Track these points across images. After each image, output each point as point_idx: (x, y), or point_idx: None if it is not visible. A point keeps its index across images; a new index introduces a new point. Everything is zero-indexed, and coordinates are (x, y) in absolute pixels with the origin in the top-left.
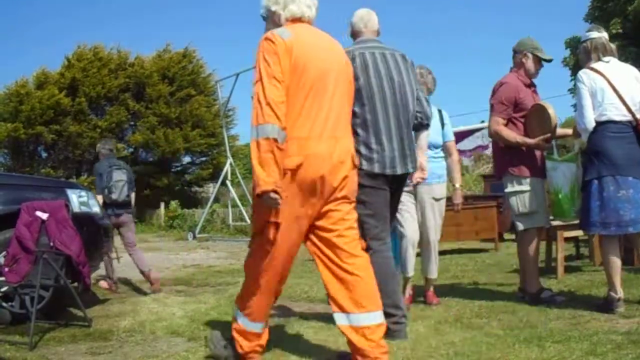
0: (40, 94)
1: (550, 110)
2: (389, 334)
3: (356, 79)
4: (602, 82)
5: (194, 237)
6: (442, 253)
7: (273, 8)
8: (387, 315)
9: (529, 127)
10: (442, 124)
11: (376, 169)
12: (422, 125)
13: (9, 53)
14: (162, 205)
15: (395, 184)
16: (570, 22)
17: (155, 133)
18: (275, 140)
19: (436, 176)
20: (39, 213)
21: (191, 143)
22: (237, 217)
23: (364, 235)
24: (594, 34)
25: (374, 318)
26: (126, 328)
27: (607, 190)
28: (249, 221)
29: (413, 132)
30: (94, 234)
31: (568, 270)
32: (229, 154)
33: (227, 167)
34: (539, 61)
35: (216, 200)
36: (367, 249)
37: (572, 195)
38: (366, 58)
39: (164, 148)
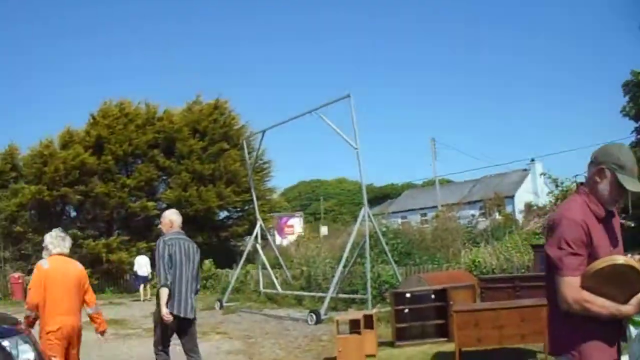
0: (64, 154)
1: None
2: None
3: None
4: None
5: (221, 307)
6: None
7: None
8: None
9: (596, 286)
10: None
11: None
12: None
13: (34, 114)
14: None
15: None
16: (629, 60)
17: (187, 190)
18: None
19: None
20: None
21: (225, 200)
22: (270, 282)
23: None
24: None
25: None
26: None
27: None
28: (279, 288)
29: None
30: None
31: None
32: (258, 216)
33: (257, 229)
34: (621, 187)
35: (251, 261)
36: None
37: None
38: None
39: (197, 206)
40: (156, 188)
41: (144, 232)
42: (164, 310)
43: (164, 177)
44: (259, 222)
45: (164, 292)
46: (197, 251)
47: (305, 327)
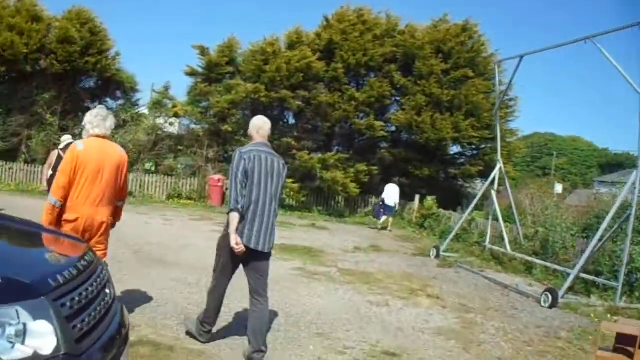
0: (290, 54)
1: None
2: None
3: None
4: None
5: (437, 256)
6: None
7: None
8: None
9: None
10: None
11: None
12: None
13: (261, 9)
14: (417, 198)
15: None
16: None
17: (421, 115)
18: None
19: None
20: None
21: (461, 133)
22: (498, 236)
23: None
24: None
25: None
26: None
27: None
28: (508, 247)
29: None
30: None
31: None
32: (499, 157)
33: (495, 172)
34: None
35: (477, 207)
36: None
37: None
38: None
39: (429, 134)
40: (387, 107)
41: (366, 153)
42: (234, 240)
43: (397, 97)
44: (499, 165)
45: (234, 218)
46: (284, 170)
47: (537, 310)
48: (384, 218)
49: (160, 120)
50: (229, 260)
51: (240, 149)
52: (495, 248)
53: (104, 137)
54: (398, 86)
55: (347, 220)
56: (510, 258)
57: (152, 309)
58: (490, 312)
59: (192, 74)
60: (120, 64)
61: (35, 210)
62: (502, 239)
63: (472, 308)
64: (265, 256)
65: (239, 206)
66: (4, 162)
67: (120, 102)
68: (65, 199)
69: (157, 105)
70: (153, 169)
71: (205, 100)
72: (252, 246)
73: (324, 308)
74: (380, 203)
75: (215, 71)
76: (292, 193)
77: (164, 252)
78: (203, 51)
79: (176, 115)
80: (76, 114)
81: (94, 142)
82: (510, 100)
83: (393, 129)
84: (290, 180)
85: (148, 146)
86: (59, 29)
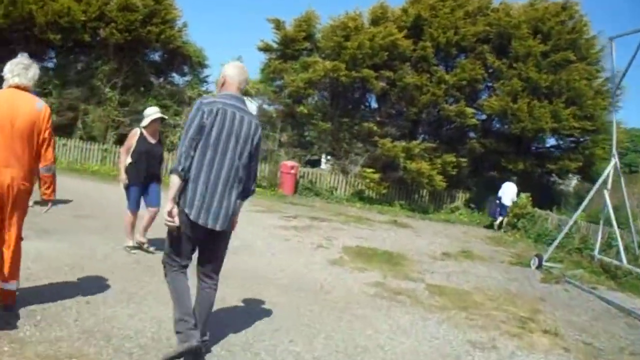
0: (374, 30)
1: None
2: None
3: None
4: None
5: (539, 266)
6: None
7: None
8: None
9: None
10: None
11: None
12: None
13: None
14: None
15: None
16: None
17: (517, 102)
18: None
19: None
20: None
21: (561, 124)
22: (604, 243)
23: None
24: None
25: None
26: None
27: None
28: (624, 259)
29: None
30: None
31: None
32: (614, 151)
33: (610, 169)
34: None
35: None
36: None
37: None
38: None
39: (525, 124)
40: (478, 92)
41: (455, 142)
42: (168, 207)
43: (490, 81)
44: (614, 160)
45: (173, 182)
46: (257, 132)
47: None
48: (500, 219)
49: None
50: (179, 239)
51: (202, 99)
52: (607, 259)
53: (24, 88)
54: (491, 69)
55: (431, 216)
56: (626, 272)
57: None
58: (626, 358)
59: (266, 49)
60: (187, 36)
61: (84, 193)
62: (611, 247)
63: (600, 350)
64: (215, 235)
65: (180, 168)
66: (58, 138)
67: (187, 78)
68: None
69: None
70: None
71: (279, 78)
72: (191, 218)
73: (411, 356)
74: (497, 202)
75: (291, 47)
76: (372, 184)
77: None
78: (278, 25)
79: (247, 94)
80: (137, 89)
81: (4, 94)
82: (618, 89)
83: (483, 117)
84: (371, 170)
85: None
86: None
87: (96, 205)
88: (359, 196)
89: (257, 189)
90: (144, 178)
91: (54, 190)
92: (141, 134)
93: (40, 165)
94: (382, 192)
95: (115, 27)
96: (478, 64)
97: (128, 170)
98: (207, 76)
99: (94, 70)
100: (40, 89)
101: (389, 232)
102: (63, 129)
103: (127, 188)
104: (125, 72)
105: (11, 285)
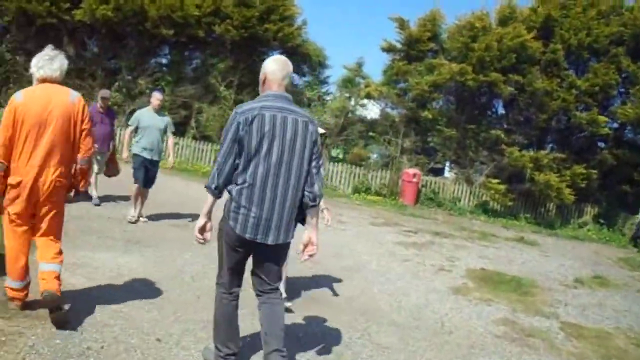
0: (501, 31)
1: None
2: None
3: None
4: None
5: None
6: None
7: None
8: None
9: None
10: None
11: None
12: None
13: None
14: None
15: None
16: None
17: None
18: None
19: None
20: None
21: None
22: None
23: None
24: None
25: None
26: None
27: None
28: None
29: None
30: None
31: None
32: None
33: None
34: None
35: None
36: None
37: None
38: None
39: None
40: (611, 99)
41: (585, 153)
42: (199, 223)
43: (624, 87)
44: None
45: (208, 199)
46: (309, 128)
47: None
48: None
49: (350, 102)
50: (231, 255)
51: (238, 107)
52: None
53: (52, 81)
54: (625, 74)
55: (557, 232)
56: None
57: None
58: None
59: (389, 49)
60: (307, 34)
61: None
62: None
63: None
64: (274, 250)
65: (214, 186)
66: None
67: (306, 78)
68: (8, 159)
69: (347, 84)
70: (340, 156)
71: (403, 81)
72: (247, 236)
73: None
74: None
75: (415, 48)
76: (497, 196)
77: (318, 279)
78: (402, 24)
79: (369, 97)
80: (254, 88)
81: (36, 91)
82: None
83: (615, 125)
84: (496, 180)
85: (335, 130)
86: None
87: (198, 214)
88: (483, 208)
89: (377, 198)
90: None
91: (87, 182)
92: None
93: (79, 157)
94: (507, 204)
95: (231, 24)
96: (612, 68)
97: None
98: (327, 77)
99: (209, 67)
100: (153, 85)
101: (515, 252)
102: (175, 127)
103: None
104: (241, 70)
105: (54, 267)
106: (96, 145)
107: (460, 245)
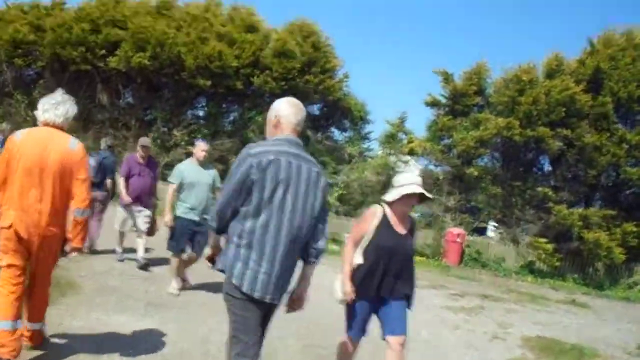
0: (549, 84)
1: None
2: None
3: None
4: None
5: None
6: None
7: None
8: None
9: None
10: None
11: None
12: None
13: (518, 34)
14: None
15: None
16: None
17: None
18: None
19: None
20: None
21: None
22: None
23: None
24: None
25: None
26: None
27: None
28: None
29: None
30: None
31: None
32: None
33: None
34: None
35: None
36: None
37: None
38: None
39: None
40: None
41: (635, 210)
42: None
43: None
44: None
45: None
46: (319, 179)
47: None
48: None
49: (392, 158)
50: (243, 314)
51: (249, 147)
52: None
53: (54, 126)
54: None
55: (608, 293)
56: None
57: None
58: None
59: (433, 104)
60: (348, 87)
61: None
62: None
63: None
64: (271, 309)
65: (216, 228)
66: None
67: (347, 133)
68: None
69: (390, 140)
70: None
71: (447, 136)
72: (256, 295)
73: None
74: None
75: (460, 102)
76: (544, 256)
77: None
78: (447, 78)
79: (412, 153)
80: None
81: (34, 133)
82: None
83: None
84: (544, 240)
85: (377, 188)
86: (277, 41)
87: None
88: (529, 268)
89: (419, 258)
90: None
91: (83, 238)
92: (384, 216)
93: (74, 207)
94: (554, 264)
95: (271, 75)
96: None
97: (355, 275)
98: (369, 132)
99: (247, 120)
100: (189, 137)
101: (570, 316)
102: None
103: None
104: None
105: (37, 325)
106: (129, 199)
107: (510, 309)
